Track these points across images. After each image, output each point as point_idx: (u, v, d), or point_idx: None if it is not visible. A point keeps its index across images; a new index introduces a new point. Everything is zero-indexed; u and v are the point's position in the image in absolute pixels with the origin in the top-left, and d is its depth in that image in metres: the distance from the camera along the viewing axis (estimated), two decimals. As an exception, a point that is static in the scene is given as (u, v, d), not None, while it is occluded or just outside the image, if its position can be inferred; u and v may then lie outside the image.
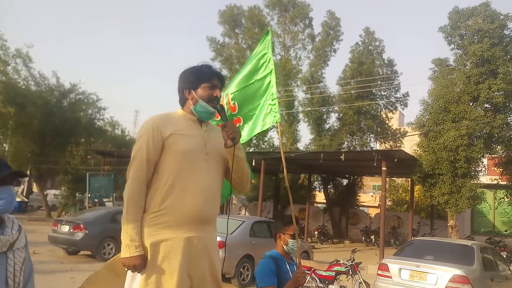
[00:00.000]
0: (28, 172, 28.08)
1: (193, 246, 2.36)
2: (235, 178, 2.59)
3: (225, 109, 3.84)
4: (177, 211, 2.34)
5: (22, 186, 32.49)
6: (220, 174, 2.59)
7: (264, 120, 3.78)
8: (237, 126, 3.74)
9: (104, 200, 20.90)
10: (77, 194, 25.85)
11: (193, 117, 2.54)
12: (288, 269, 3.20)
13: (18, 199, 26.65)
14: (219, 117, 2.61)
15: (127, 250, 2.26)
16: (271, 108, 3.74)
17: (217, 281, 2.49)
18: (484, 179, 17.73)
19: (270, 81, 3.78)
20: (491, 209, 24.16)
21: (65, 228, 11.56)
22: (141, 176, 2.35)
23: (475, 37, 15.73)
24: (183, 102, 2.59)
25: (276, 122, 3.74)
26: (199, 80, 2.52)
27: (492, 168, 18.43)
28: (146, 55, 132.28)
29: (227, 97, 3.88)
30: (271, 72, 3.77)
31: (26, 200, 27.62)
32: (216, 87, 2.55)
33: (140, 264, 2.26)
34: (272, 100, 3.74)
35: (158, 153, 2.39)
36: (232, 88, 3.90)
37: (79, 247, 11.67)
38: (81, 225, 11.35)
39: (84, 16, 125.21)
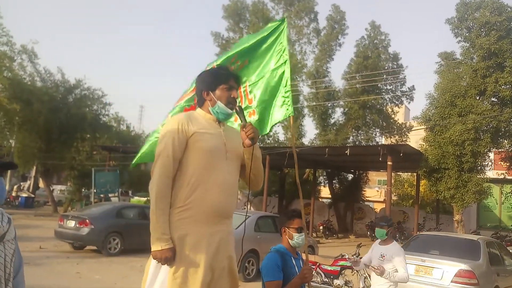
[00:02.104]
0: (34, 168, 28.26)
1: (216, 239, 2.47)
2: (252, 176, 2.70)
3: (240, 101, 3.80)
4: (201, 206, 2.44)
5: (28, 182, 32.72)
6: (238, 172, 2.71)
7: (277, 113, 3.69)
8: (252, 118, 3.71)
9: (110, 195, 21.00)
10: (83, 190, 25.99)
11: (212, 117, 2.65)
12: (294, 263, 3.19)
13: (24, 195, 26.87)
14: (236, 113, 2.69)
15: (159, 243, 2.33)
16: (284, 101, 3.65)
17: (233, 273, 2.59)
18: (491, 173, 17.62)
19: (284, 72, 3.66)
20: (497, 204, 24.04)
21: (71, 223, 11.63)
22: (168, 172, 2.43)
23: (482, 30, 15.57)
24: (201, 103, 2.70)
25: (289, 116, 3.65)
26: (217, 82, 2.62)
27: (499, 163, 18.32)
28: (151, 50, 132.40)
29: (245, 87, 3.79)
30: (285, 62, 3.67)
31: (33, 195, 27.81)
32: (233, 88, 2.65)
33: (171, 256, 2.34)
34: (286, 92, 3.64)
35: (183, 150, 2.48)
36: (250, 79, 3.80)
37: (85, 242, 11.75)
38: (87, 220, 11.40)
39: (88, 12, 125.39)
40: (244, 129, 2.57)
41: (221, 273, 2.48)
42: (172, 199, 2.45)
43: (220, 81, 2.62)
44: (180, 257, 2.36)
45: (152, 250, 2.37)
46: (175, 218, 2.42)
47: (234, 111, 2.64)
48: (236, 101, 2.66)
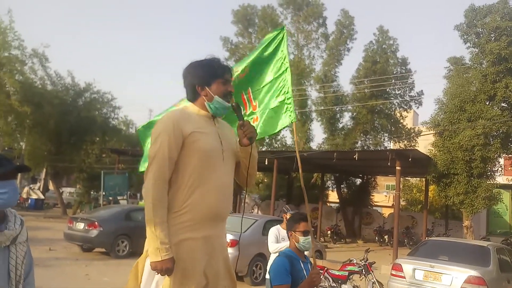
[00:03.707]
0: (44, 170, 28.51)
1: (211, 244, 2.38)
2: (247, 175, 2.59)
3: (244, 107, 3.85)
4: (199, 210, 2.32)
5: (38, 184, 33.01)
6: (233, 171, 2.59)
7: (281, 120, 3.76)
8: (255, 124, 3.74)
9: (118, 198, 21.13)
10: (92, 192, 26.16)
11: (207, 113, 2.50)
12: (302, 267, 3.20)
13: (34, 197, 27.11)
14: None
15: (158, 253, 2.18)
16: (287, 108, 3.72)
17: (230, 275, 2.51)
18: (501, 179, 17.45)
19: (285, 79, 3.74)
20: (507, 210, 23.76)
21: (80, 226, 11.73)
22: (164, 175, 2.29)
23: (492, 35, 15.45)
24: (193, 97, 2.52)
25: (292, 122, 3.72)
26: (212, 76, 2.46)
27: (509, 168, 18.13)
28: (160, 54, 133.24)
29: (248, 94, 3.86)
30: (286, 70, 3.74)
31: (43, 197, 28.05)
32: (229, 82, 2.51)
33: (172, 267, 2.21)
34: (288, 99, 3.72)
35: (179, 151, 2.33)
36: (254, 86, 3.87)
37: (94, 244, 11.82)
38: (96, 223, 11.50)
39: (98, 15, 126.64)
40: (242, 127, 2.46)
41: (216, 277, 2.40)
42: (168, 204, 2.30)
43: (215, 75, 2.46)
44: (176, 265, 2.25)
45: (150, 261, 2.22)
46: (171, 224, 2.29)
47: (231, 106, 2.51)
48: (232, 95, 2.53)
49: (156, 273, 2.25)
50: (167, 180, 2.31)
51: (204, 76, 2.46)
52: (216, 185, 2.38)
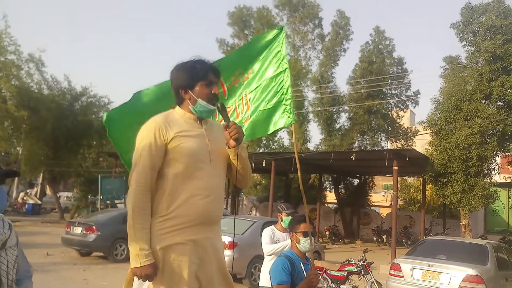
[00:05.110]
0: (41, 175, 28.42)
1: (202, 247, 2.34)
2: (239, 176, 2.57)
3: (243, 109, 3.81)
4: (186, 214, 2.29)
5: (35, 189, 32.89)
6: (223, 173, 2.55)
7: (275, 122, 3.69)
8: (245, 124, 3.71)
9: (116, 202, 21.07)
10: (90, 196, 26.09)
11: (193, 116, 2.46)
12: (303, 268, 3.23)
13: (31, 202, 27.03)
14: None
15: (137, 259, 2.18)
16: (285, 109, 3.66)
17: (226, 277, 2.47)
18: (498, 177, 17.51)
19: (283, 80, 3.68)
20: (504, 208, 23.84)
21: (78, 230, 11.70)
22: (145, 183, 2.27)
23: (487, 33, 15.53)
24: (179, 101, 2.49)
25: (290, 124, 3.68)
26: (195, 79, 2.42)
27: (506, 167, 18.21)
28: (157, 57, 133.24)
29: (246, 96, 3.81)
30: (285, 70, 3.68)
31: (40, 202, 27.96)
32: (213, 84, 2.46)
33: (152, 273, 2.20)
34: (286, 100, 3.64)
35: (162, 157, 2.31)
36: (249, 87, 3.81)
37: (92, 249, 11.81)
38: (94, 227, 11.48)
39: (94, 18, 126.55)
40: (227, 129, 2.41)
41: (210, 280, 2.36)
42: (153, 208, 2.29)
43: (198, 77, 2.41)
44: (163, 270, 2.23)
45: (131, 267, 2.22)
46: (157, 228, 2.27)
47: (216, 108, 2.46)
48: (218, 97, 2.47)
49: (137, 279, 2.25)
50: (149, 187, 2.29)
51: (186, 79, 2.43)
52: (203, 188, 2.34)
